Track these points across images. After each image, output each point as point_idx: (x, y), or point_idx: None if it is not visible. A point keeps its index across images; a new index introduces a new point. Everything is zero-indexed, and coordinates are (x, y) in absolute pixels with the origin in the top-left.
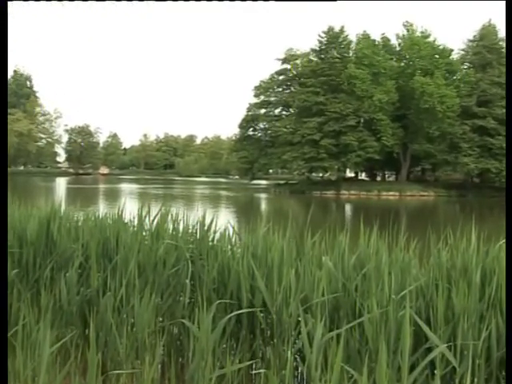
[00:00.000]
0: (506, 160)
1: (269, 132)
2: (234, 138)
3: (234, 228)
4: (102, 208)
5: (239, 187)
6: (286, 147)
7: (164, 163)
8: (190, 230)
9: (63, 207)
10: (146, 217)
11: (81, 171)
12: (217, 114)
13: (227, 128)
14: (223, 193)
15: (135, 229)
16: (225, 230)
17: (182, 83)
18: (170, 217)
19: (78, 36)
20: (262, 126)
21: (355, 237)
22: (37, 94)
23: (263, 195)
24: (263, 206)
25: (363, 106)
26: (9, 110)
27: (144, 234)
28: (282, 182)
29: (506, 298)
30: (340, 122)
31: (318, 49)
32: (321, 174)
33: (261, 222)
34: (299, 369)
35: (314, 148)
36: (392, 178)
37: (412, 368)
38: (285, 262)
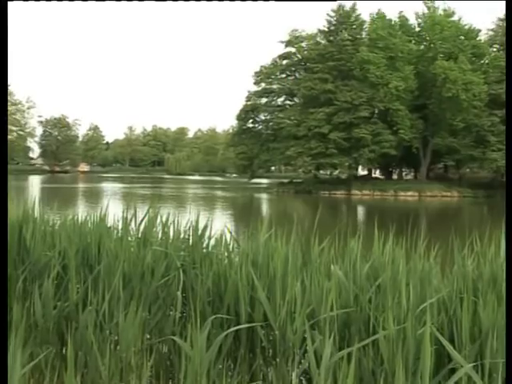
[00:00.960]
0: (506, 160)
1: (271, 124)
2: (231, 130)
3: (231, 233)
4: (81, 211)
5: (237, 187)
6: (291, 141)
7: (152, 159)
8: (181, 236)
9: (37, 209)
10: (131, 220)
11: (57, 168)
12: (211, 104)
13: (223, 120)
14: (219, 193)
15: (120, 234)
16: (221, 235)
17: (172, 70)
18: (158, 220)
19: (57, 22)
20: (262, 118)
21: (369, 243)
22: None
23: (264, 196)
24: (264, 207)
25: (378, 95)
26: None
27: (130, 239)
28: (285, 180)
29: (506, 298)
30: (351, 113)
31: (326, 30)
32: (329, 172)
33: (262, 226)
34: None
35: (321, 142)
36: (410, 176)
37: None
38: (289, 272)
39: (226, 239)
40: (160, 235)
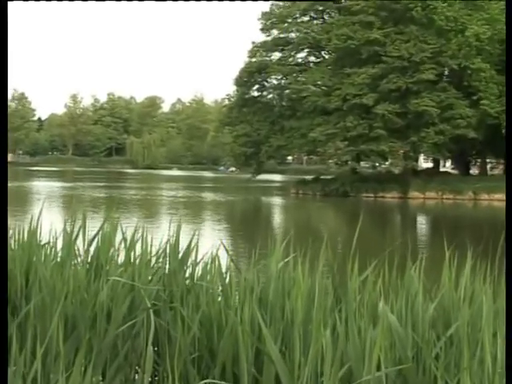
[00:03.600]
0: (506, 160)
1: (287, 92)
2: (226, 102)
3: (229, 255)
4: None
5: (236, 186)
6: (317, 118)
7: (107, 145)
8: (153, 260)
9: None
10: (77, 237)
11: None
12: (196, 62)
13: (215, 86)
14: (209, 196)
15: (59, 257)
16: (213, 259)
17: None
18: (119, 237)
19: None
20: (274, 82)
21: (435, 271)
22: None
23: (277, 200)
24: (277, 218)
25: (449, 47)
26: None
27: (75, 265)
28: (308, 177)
29: (506, 298)
30: (408, 75)
31: None
32: (375, 164)
33: (274, 246)
34: None
35: (363, 119)
36: (499, 171)
37: None
38: (314, 314)
39: (220, 265)
40: (121, 259)
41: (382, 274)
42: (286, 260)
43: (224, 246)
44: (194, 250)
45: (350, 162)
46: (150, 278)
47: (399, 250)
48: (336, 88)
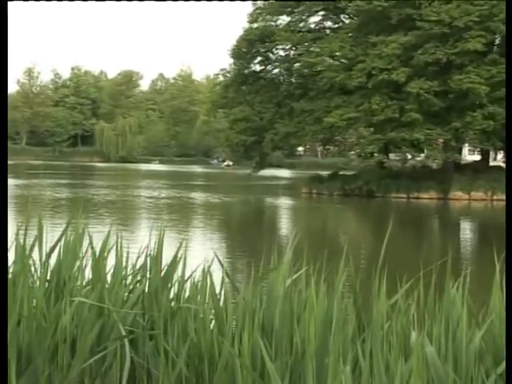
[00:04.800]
0: (506, 160)
1: (297, 66)
2: (220, 78)
3: (224, 270)
4: None
5: (233, 184)
6: (334, 98)
7: (71, 132)
8: (128, 277)
9: None
10: (33, 247)
11: None
12: (183, 28)
13: (205, 59)
14: (199, 197)
15: (11, 274)
16: (204, 275)
17: None
18: (85, 248)
19: None
20: (281, 54)
21: (482, 290)
22: None
23: (285, 201)
24: (285, 224)
25: (501, 9)
26: None
27: (31, 283)
28: (324, 172)
29: (506, 298)
30: (450, 45)
31: None
32: (409, 157)
33: (281, 260)
34: None
35: (393, 100)
36: None
37: None
38: (331, 344)
39: (212, 283)
40: (89, 275)
41: (416, 294)
42: (296, 276)
43: (218, 260)
44: (181, 264)
45: (376, 154)
46: (124, 298)
47: (435, 262)
48: (359, 61)
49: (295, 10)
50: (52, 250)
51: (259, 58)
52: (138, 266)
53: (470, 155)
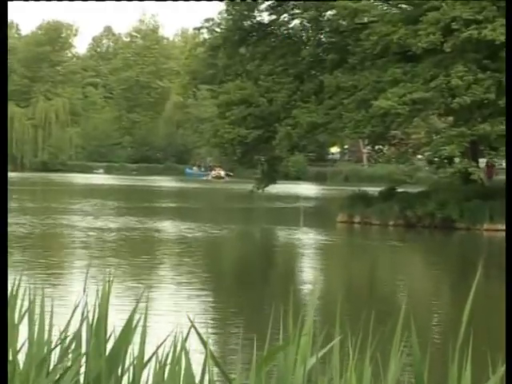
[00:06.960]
0: (506, 160)
1: (329, 15)
2: (204, 35)
3: (206, 345)
4: None
5: (226, 208)
6: (390, 69)
7: None
8: (53, 357)
9: None
10: None
11: None
12: None
13: (179, 5)
14: (171, 228)
15: None
16: (177, 355)
17: None
18: None
19: None
20: (300, 2)
21: None
22: None
23: (309, 236)
24: (309, 274)
25: None
26: None
27: None
28: (373, 189)
29: (506, 298)
30: None
31: None
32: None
33: (301, 325)
34: None
35: (485, 72)
36: None
37: None
38: None
39: (190, 367)
40: None
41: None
42: (324, 352)
43: (196, 331)
44: (139, 337)
45: (457, 160)
46: None
47: None
48: (430, 7)
49: None
50: None
51: (269, 2)
52: (68, 339)
53: None
